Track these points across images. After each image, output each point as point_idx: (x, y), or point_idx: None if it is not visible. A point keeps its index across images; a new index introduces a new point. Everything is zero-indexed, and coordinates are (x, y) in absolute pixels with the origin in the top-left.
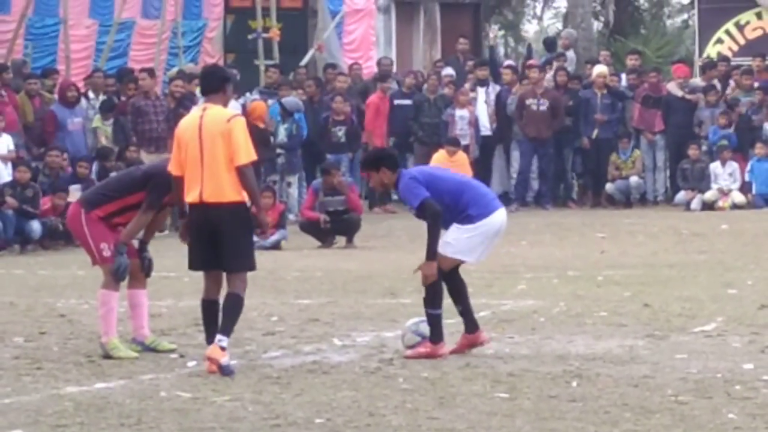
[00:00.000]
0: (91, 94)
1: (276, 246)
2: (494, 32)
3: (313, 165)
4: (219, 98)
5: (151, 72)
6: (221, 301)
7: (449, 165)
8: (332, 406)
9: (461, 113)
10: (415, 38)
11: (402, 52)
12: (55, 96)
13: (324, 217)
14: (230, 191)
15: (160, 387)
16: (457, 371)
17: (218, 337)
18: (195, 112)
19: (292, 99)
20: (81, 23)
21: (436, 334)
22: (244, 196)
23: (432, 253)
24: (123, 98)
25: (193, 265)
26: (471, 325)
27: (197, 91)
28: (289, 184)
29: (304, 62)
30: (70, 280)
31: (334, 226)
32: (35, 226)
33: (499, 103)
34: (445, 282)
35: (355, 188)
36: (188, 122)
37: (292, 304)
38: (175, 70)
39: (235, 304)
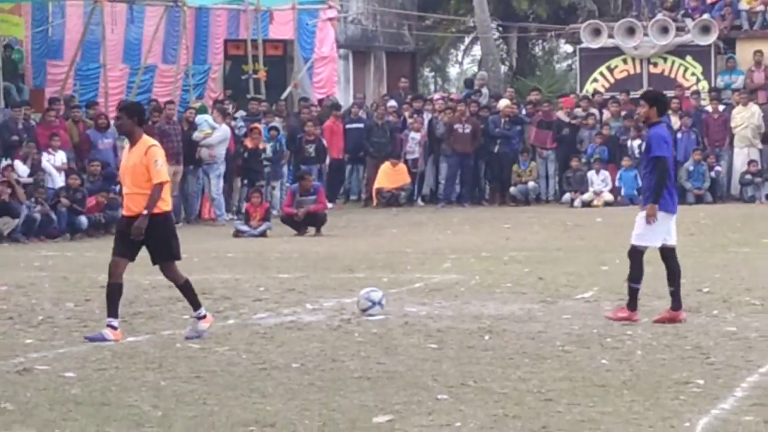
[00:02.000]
0: None
1: (263, 234)
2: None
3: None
4: None
5: (174, 104)
6: None
7: (393, 173)
8: (305, 354)
9: (413, 135)
10: (367, 78)
11: (357, 88)
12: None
13: (298, 212)
14: None
15: (176, 340)
16: (399, 328)
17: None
18: (154, 141)
19: None
20: (116, 67)
21: (632, 304)
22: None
23: (656, 198)
24: (149, 123)
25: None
26: (676, 303)
27: (197, 118)
28: (273, 188)
29: (284, 96)
30: (105, 259)
31: (307, 220)
32: (83, 219)
33: (431, 126)
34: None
35: (322, 191)
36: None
37: (275, 277)
38: (198, 104)
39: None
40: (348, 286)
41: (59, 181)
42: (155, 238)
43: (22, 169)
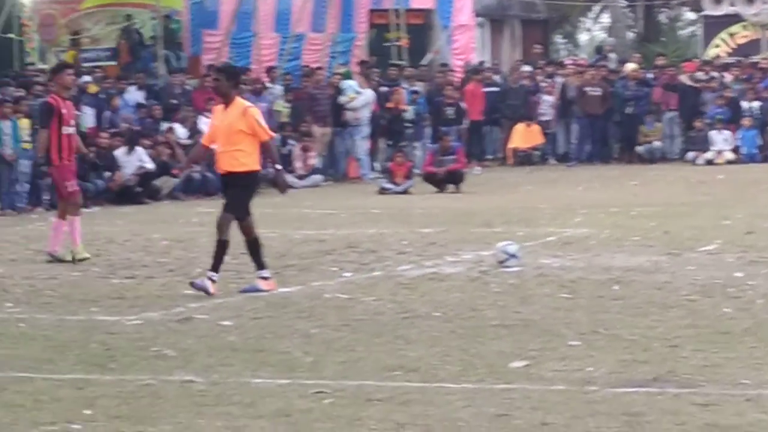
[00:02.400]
0: (268, 84)
1: (406, 191)
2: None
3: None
4: None
5: (322, 70)
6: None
7: (527, 134)
8: (446, 304)
9: (546, 98)
10: (503, 45)
11: (493, 54)
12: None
13: (439, 171)
14: None
15: (325, 291)
16: (533, 279)
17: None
18: (248, 102)
19: None
20: (268, 35)
21: None
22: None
23: None
24: (301, 88)
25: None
26: None
27: (343, 83)
28: (415, 148)
29: (424, 62)
30: (262, 216)
31: (447, 178)
32: None
33: (563, 90)
34: None
35: (461, 150)
36: None
37: (417, 232)
38: (343, 70)
39: None
40: (486, 240)
41: None
42: (233, 190)
43: (181, 131)
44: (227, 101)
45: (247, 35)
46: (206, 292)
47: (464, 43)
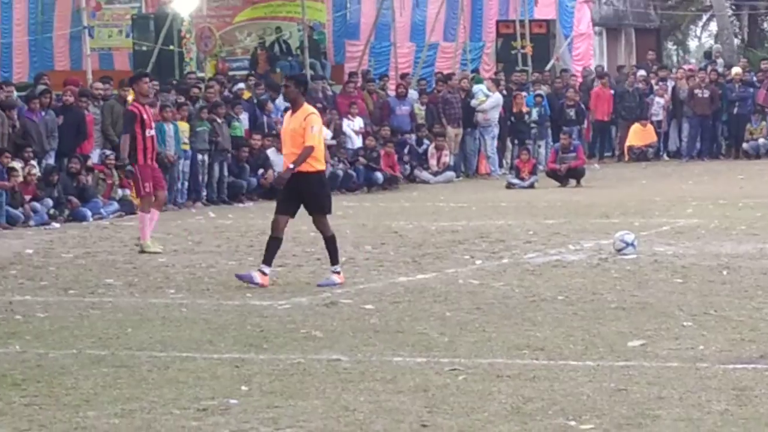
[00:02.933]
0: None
1: (531, 186)
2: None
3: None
4: None
5: (454, 76)
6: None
7: (642, 133)
8: (568, 288)
9: (659, 100)
10: (619, 51)
11: (610, 60)
12: (386, 92)
13: (561, 167)
14: None
15: (459, 277)
16: (648, 265)
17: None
18: (313, 109)
19: None
20: (404, 45)
21: None
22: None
23: None
24: (435, 92)
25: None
26: None
27: (473, 87)
28: (539, 146)
29: (547, 68)
30: (400, 209)
31: (568, 173)
32: (378, 175)
33: (674, 92)
34: None
35: (581, 148)
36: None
37: (542, 223)
38: (473, 76)
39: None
40: (604, 230)
41: (357, 142)
42: (309, 193)
43: (326, 132)
44: (295, 107)
45: (386, 45)
46: (334, 284)
47: (584, 50)
